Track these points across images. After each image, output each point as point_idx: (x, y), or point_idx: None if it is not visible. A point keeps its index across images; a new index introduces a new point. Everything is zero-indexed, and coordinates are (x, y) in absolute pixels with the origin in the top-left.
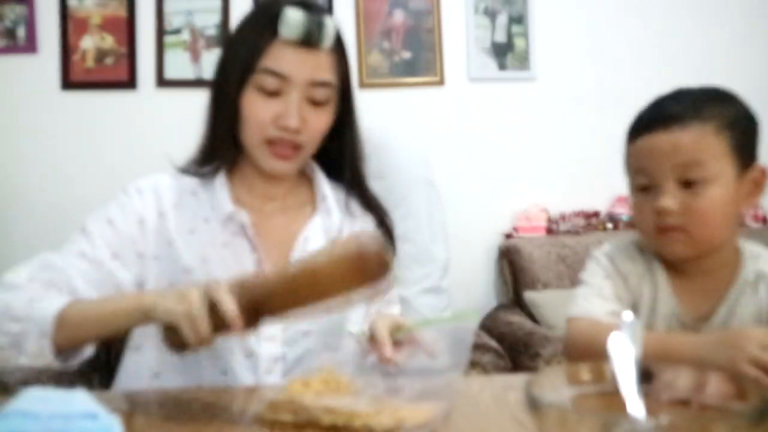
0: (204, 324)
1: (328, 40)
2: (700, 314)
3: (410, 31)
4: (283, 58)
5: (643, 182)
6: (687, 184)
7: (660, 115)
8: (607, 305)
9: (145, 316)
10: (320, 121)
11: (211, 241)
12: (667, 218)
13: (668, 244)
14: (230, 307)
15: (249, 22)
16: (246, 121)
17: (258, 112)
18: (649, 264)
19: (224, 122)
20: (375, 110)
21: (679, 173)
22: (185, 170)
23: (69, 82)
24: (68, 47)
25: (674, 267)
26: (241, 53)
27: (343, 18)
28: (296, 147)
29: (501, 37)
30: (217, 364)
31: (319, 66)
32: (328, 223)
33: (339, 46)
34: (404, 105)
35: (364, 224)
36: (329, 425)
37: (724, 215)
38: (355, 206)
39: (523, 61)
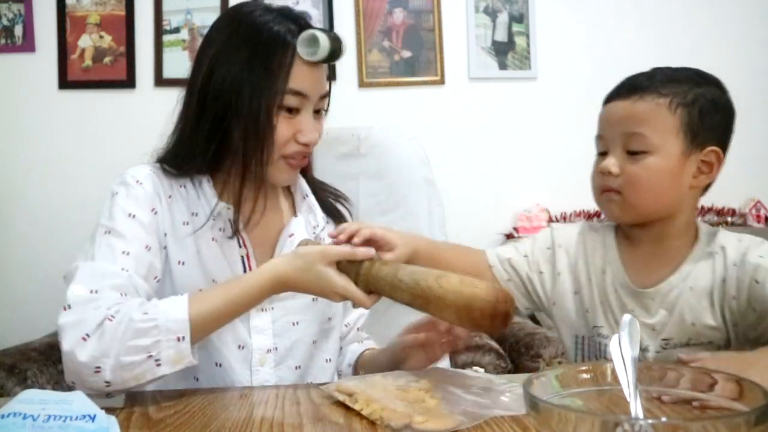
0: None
1: (341, 56)
2: (649, 282)
3: (410, 30)
4: (303, 78)
5: (601, 149)
6: (631, 152)
7: (625, 86)
8: (510, 253)
9: (283, 287)
10: (321, 129)
11: (201, 234)
12: (607, 180)
13: (606, 205)
14: (365, 304)
15: (263, 39)
16: (270, 141)
17: (282, 131)
18: (605, 235)
19: (253, 143)
20: (375, 110)
21: (624, 141)
22: (170, 166)
23: (67, 82)
24: (66, 46)
25: (628, 238)
26: (265, 77)
27: (342, 17)
28: (305, 156)
29: (501, 36)
30: (212, 356)
31: (324, 79)
32: (313, 221)
33: None
34: (404, 104)
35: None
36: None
37: (661, 186)
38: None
39: (524, 61)
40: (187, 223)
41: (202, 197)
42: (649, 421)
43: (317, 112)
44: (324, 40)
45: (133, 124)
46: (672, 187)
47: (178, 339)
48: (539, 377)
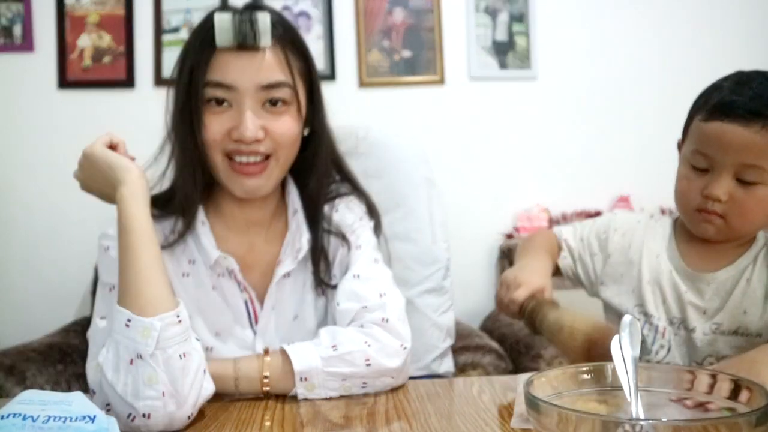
0: None
1: (264, 38)
2: (705, 270)
3: (410, 30)
4: (225, 68)
5: (701, 165)
6: (742, 180)
7: (739, 107)
8: (568, 234)
9: None
10: (282, 126)
11: (200, 284)
12: (710, 203)
13: (701, 224)
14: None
15: (190, 40)
16: (203, 140)
17: (211, 127)
18: (664, 225)
19: (190, 150)
20: (375, 109)
21: (738, 169)
22: (164, 210)
23: (66, 81)
24: (65, 46)
25: (687, 231)
26: (186, 74)
27: (342, 16)
28: (265, 158)
29: (502, 35)
30: None
31: (264, 67)
32: (298, 244)
33: (289, 42)
34: (404, 104)
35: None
36: None
37: (764, 213)
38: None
39: (524, 60)
40: (187, 275)
41: (200, 246)
42: (650, 421)
43: (275, 107)
44: (222, 23)
45: (132, 124)
46: None
47: None
48: (539, 377)
